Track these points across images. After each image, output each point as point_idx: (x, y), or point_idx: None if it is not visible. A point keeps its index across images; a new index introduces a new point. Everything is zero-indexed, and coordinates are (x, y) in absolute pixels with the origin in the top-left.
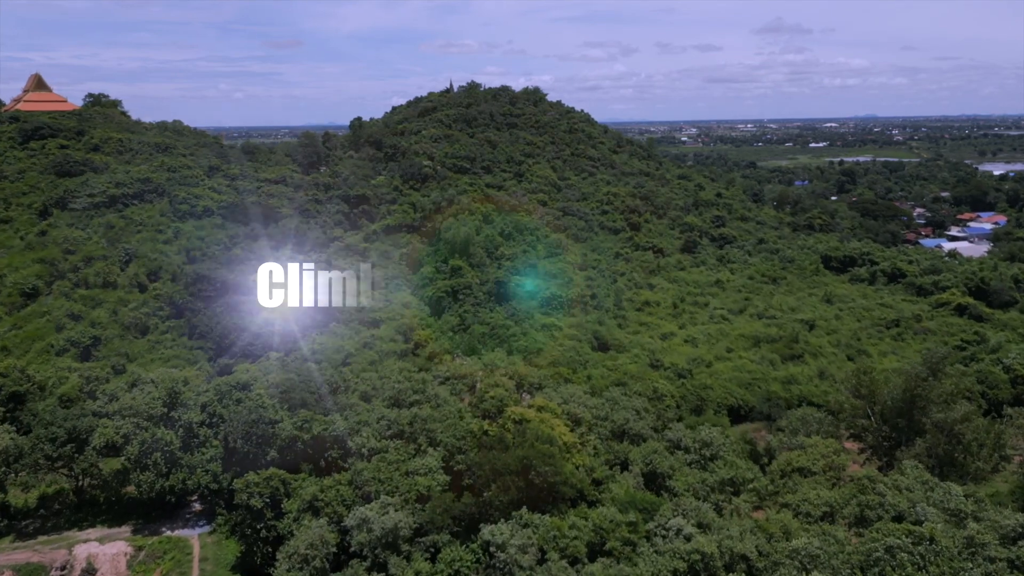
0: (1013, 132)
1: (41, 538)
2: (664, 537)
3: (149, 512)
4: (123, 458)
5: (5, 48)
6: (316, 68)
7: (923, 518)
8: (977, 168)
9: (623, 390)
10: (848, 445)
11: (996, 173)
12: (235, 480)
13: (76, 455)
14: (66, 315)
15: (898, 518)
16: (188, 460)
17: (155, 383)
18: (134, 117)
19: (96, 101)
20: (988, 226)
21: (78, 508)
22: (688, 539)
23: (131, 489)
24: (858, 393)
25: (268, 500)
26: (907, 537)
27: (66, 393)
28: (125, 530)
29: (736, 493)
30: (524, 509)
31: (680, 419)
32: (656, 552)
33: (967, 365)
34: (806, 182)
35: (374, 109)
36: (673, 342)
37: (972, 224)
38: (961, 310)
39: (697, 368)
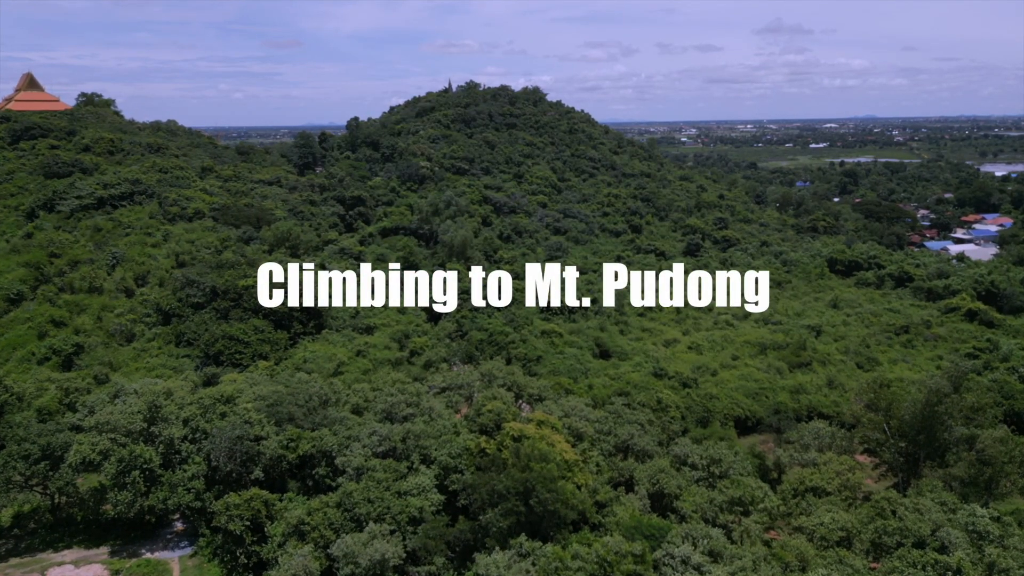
0: (1013, 133)
1: (14, 560)
2: (672, 567)
3: (128, 532)
4: (101, 475)
5: (5, 48)
6: (315, 68)
7: (948, 543)
8: (979, 169)
9: (626, 400)
10: (859, 458)
11: (998, 174)
12: (215, 502)
13: (51, 473)
14: (49, 321)
15: (919, 544)
16: (169, 478)
17: (138, 393)
18: (133, 117)
19: (88, 101)
20: (994, 228)
21: (54, 528)
22: (698, 569)
23: (109, 508)
24: (874, 406)
25: (249, 524)
26: (932, 569)
27: (45, 405)
28: (103, 551)
29: (746, 513)
30: (523, 536)
31: (685, 431)
32: None
33: (980, 374)
34: (808, 183)
35: (374, 109)
36: (677, 349)
37: (977, 226)
38: (972, 316)
39: (702, 377)
